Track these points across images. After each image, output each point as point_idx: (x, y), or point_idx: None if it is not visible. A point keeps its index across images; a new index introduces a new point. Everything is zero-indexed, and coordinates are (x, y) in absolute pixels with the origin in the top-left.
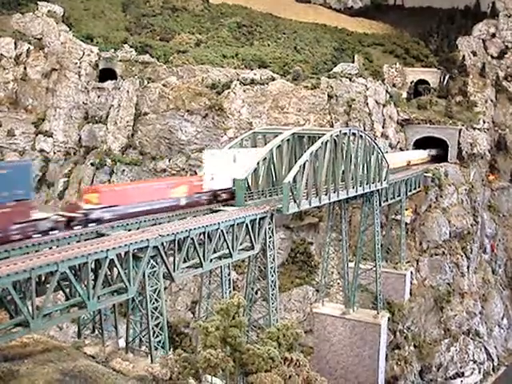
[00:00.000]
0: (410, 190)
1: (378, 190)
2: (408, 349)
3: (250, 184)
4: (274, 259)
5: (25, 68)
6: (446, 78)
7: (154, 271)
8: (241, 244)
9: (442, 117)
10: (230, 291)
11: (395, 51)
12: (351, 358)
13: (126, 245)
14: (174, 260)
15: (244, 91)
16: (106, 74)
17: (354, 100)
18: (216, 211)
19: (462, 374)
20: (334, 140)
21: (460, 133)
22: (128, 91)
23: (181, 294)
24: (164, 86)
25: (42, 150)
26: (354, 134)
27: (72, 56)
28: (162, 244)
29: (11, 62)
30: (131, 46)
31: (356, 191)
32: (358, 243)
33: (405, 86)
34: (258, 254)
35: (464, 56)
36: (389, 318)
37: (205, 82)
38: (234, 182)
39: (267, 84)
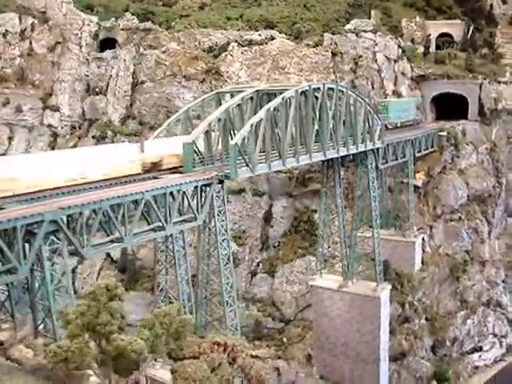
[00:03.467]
0: (420, 151)
1: (373, 151)
2: (418, 322)
3: (198, 149)
4: (226, 231)
5: (30, 43)
6: (471, 29)
7: (55, 248)
8: (180, 215)
9: (461, 71)
10: (187, 267)
11: (416, 4)
12: (351, 333)
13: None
14: (83, 235)
15: (242, 53)
16: (108, 44)
17: (361, 56)
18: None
19: (480, 348)
20: (305, 96)
21: (481, 87)
22: (125, 60)
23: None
24: (163, 52)
25: (49, 125)
26: (330, 89)
27: (73, 27)
28: (71, 217)
29: (16, 37)
30: (133, 14)
31: (338, 152)
32: (355, 209)
33: (424, 41)
34: (209, 225)
35: (492, 5)
36: (396, 289)
37: (201, 46)
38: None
39: (266, 44)
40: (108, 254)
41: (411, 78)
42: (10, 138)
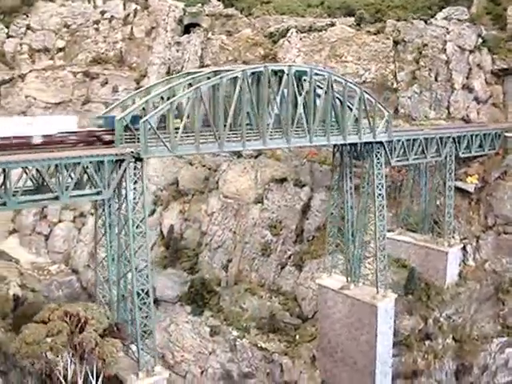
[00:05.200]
0: (469, 151)
1: (382, 145)
2: (443, 341)
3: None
4: (140, 209)
5: (131, 28)
6: None
7: None
8: (80, 188)
9: None
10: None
11: None
12: (349, 340)
13: None
14: None
15: (300, 39)
16: (193, 29)
17: (427, 46)
18: None
19: None
20: (258, 78)
21: None
22: (195, 44)
23: (219, 251)
24: (228, 37)
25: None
26: (302, 72)
27: (162, 13)
28: None
29: (120, 22)
30: (218, 0)
31: (310, 141)
32: (361, 207)
33: None
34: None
35: None
36: (421, 301)
37: (264, 31)
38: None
39: (325, 31)
40: (161, 231)
41: (491, 71)
42: None
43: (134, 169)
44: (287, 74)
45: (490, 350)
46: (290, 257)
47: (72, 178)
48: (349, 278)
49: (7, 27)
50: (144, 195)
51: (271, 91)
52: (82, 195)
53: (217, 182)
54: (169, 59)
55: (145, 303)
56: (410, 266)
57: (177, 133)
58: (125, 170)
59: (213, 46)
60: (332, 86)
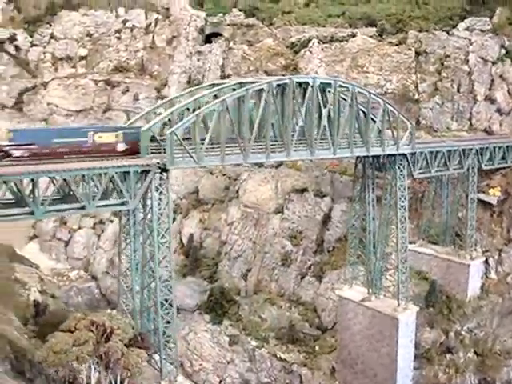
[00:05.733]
0: (492, 164)
1: (405, 157)
2: (464, 355)
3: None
4: (165, 220)
5: (153, 37)
6: None
7: None
8: (106, 198)
9: None
10: (135, 250)
11: None
12: (370, 352)
13: None
14: None
15: (322, 50)
16: (214, 39)
17: (449, 57)
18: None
19: None
20: (282, 90)
21: None
22: (216, 54)
23: (238, 260)
24: (250, 47)
25: (160, 114)
26: (326, 84)
27: (183, 22)
28: None
29: (141, 31)
30: (240, 10)
31: (334, 153)
32: (383, 219)
33: None
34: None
35: None
36: (442, 314)
37: (285, 42)
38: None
39: (347, 41)
40: (180, 239)
41: None
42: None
43: (160, 179)
44: (312, 86)
45: None
46: (310, 267)
47: (98, 189)
48: (370, 290)
49: (31, 36)
50: (169, 206)
51: (295, 103)
52: (108, 205)
53: (237, 192)
54: (190, 68)
55: (168, 313)
56: (431, 278)
57: (202, 144)
58: (150, 180)
59: (234, 55)
60: (356, 98)
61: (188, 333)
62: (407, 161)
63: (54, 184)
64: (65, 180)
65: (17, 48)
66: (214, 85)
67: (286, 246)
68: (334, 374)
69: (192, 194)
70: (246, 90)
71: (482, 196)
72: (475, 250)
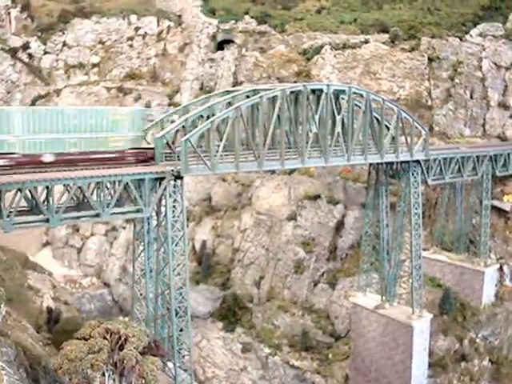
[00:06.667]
0: (506, 170)
1: (419, 163)
2: (479, 363)
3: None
4: (180, 227)
5: (164, 44)
6: None
7: None
8: (120, 205)
9: None
10: (149, 257)
11: None
12: (384, 359)
13: None
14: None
15: (334, 56)
16: (227, 46)
17: (462, 63)
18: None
19: None
20: (296, 97)
21: None
22: (228, 61)
23: (251, 267)
24: (262, 54)
25: (172, 121)
26: (340, 91)
27: (195, 30)
28: None
29: (153, 38)
30: (252, 17)
31: (348, 160)
32: (397, 226)
33: None
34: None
35: None
36: (456, 322)
37: (297, 48)
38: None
39: (360, 48)
40: (193, 246)
41: None
42: None
43: (174, 187)
44: (326, 93)
45: None
46: (322, 274)
47: (112, 196)
48: (383, 297)
49: (44, 44)
50: (183, 213)
51: (309, 110)
52: (123, 213)
53: (250, 199)
54: (202, 75)
55: (182, 321)
56: (444, 285)
57: (217, 151)
58: (165, 188)
59: (247, 62)
60: (370, 105)
61: (201, 340)
62: (421, 167)
63: (69, 192)
64: (79, 187)
65: (30, 56)
66: (227, 92)
67: (299, 253)
68: (348, 381)
69: (205, 200)
70: (260, 97)
71: (496, 202)
72: (489, 257)
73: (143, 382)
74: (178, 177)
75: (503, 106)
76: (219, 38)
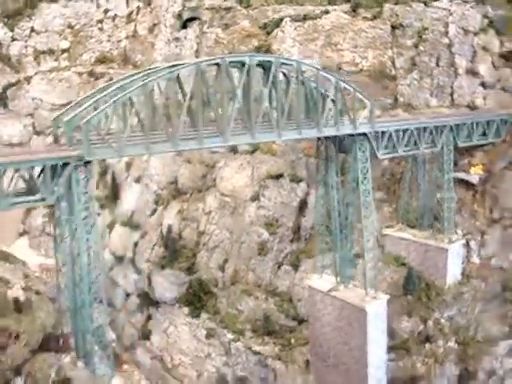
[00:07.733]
0: (470, 140)
1: (366, 137)
2: (444, 344)
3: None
4: (90, 215)
5: (135, 25)
6: None
7: None
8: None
9: None
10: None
11: None
12: (340, 345)
13: None
14: None
15: (295, 29)
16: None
17: (427, 29)
18: None
19: None
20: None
21: None
22: (191, 39)
23: (216, 250)
24: (223, 30)
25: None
26: (266, 62)
27: (162, 8)
28: None
29: (123, 20)
30: None
31: (279, 136)
32: (347, 204)
33: None
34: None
35: None
36: (420, 302)
37: (258, 22)
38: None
39: (320, 18)
40: (161, 231)
41: (499, 54)
42: None
43: (82, 172)
44: (249, 65)
45: (497, 353)
46: (286, 256)
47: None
48: (338, 279)
49: (12, 30)
50: (93, 200)
51: (231, 84)
52: (26, 202)
53: (214, 180)
54: (168, 55)
55: (98, 312)
56: (409, 264)
57: (123, 133)
58: (70, 173)
59: (208, 39)
60: (302, 76)
61: (168, 326)
62: (369, 141)
63: None
64: None
65: None
66: (149, 69)
67: (263, 234)
68: (309, 367)
69: (171, 184)
70: (171, 72)
71: (463, 175)
72: (456, 232)
73: (34, 380)
74: (87, 162)
75: (472, 73)
76: (185, 16)
